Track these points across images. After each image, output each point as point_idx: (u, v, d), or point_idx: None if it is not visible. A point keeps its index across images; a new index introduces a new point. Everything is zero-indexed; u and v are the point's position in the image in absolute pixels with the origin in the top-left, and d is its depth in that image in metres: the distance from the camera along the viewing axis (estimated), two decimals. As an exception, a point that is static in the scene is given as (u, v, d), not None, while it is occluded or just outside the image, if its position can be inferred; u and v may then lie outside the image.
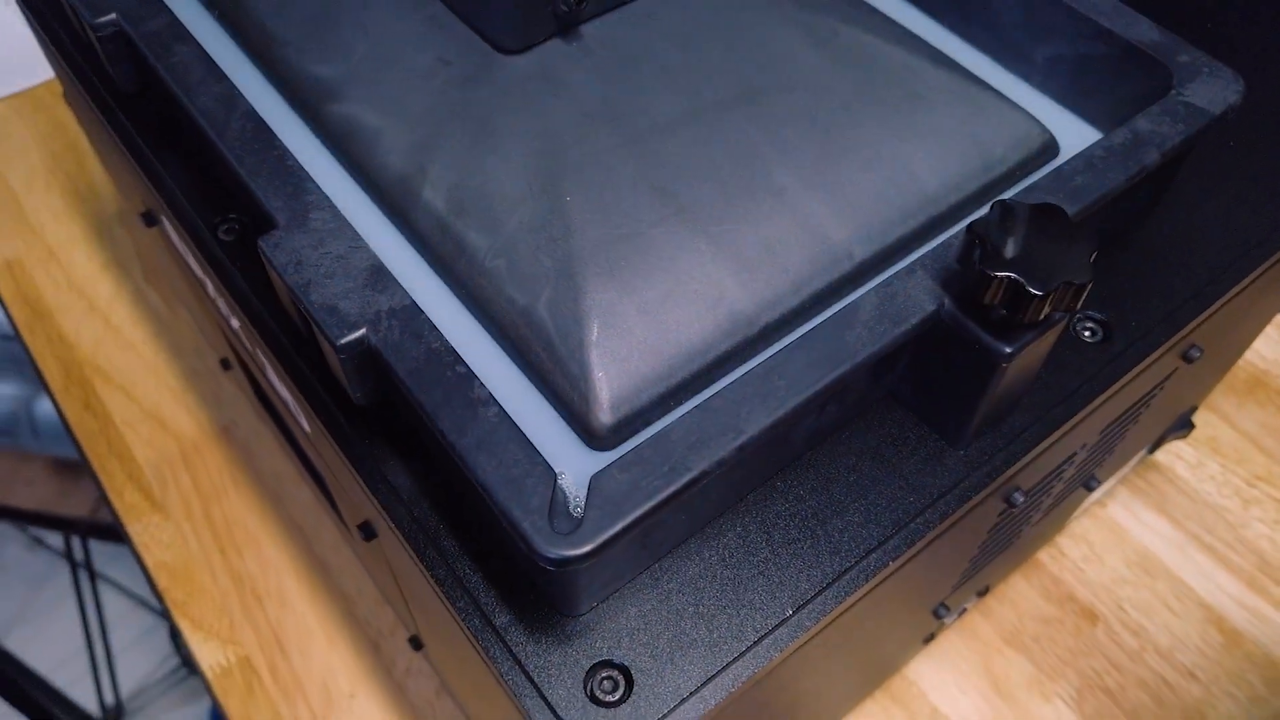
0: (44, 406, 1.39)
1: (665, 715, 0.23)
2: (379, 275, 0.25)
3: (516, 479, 0.22)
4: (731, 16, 0.29)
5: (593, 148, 0.26)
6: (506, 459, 0.22)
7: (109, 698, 1.37)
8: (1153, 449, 0.48)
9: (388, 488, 0.26)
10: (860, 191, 0.27)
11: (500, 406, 0.23)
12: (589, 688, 0.23)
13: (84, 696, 1.33)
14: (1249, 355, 0.56)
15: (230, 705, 0.44)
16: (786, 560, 0.25)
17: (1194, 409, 0.48)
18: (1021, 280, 0.22)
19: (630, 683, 0.24)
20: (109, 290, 0.56)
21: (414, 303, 0.24)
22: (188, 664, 1.39)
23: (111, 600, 1.41)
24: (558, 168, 0.25)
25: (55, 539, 1.48)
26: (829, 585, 0.25)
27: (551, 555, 0.21)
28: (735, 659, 0.24)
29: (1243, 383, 0.54)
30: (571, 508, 0.21)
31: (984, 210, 0.25)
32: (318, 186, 0.26)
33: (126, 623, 1.41)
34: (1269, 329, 0.57)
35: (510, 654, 0.24)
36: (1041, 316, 0.23)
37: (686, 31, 0.29)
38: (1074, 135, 0.31)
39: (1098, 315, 0.30)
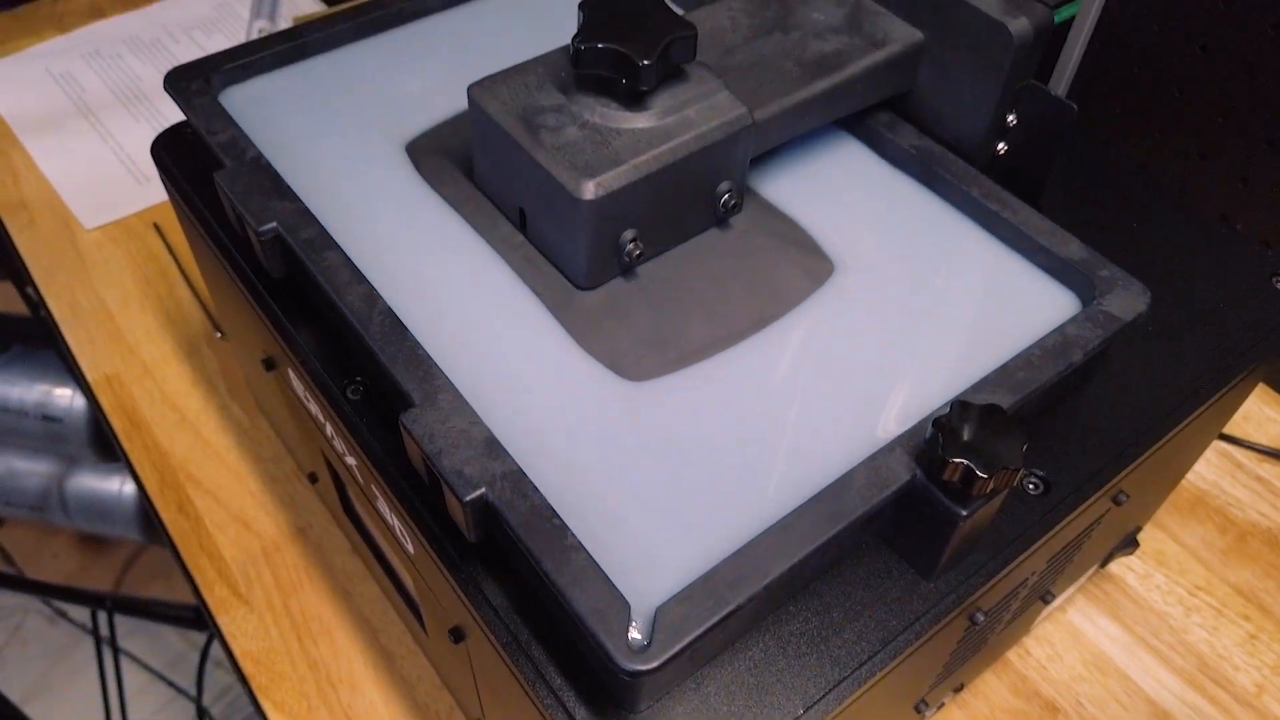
0: (75, 484, 1.45)
1: (706, 788, 0.31)
2: (492, 446, 0.33)
3: (601, 610, 0.29)
4: (749, 258, 0.39)
5: (646, 370, 0.35)
6: (593, 594, 0.30)
7: (124, 770, 1.41)
8: (1104, 564, 0.56)
9: (488, 605, 0.34)
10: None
11: (587, 552, 0.31)
12: (647, 767, 0.31)
13: (98, 768, 1.37)
14: (1190, 476, 0.64)
15: (308, 777, 0.51)
16: (798, 670, 0.33)
17: (1139, 529, 0.56)
18: (971, 466, 0.30)
19: (679, 763, 0.31)
20: (198, 404, 0.64)
21: (520, 469, 0.32)
22: (205, 738, 1.43)
23: (131, 674, 1.46)
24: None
25: (77, 612, 1.53)
26: (830, 690, 0.32)
27: (628, 669, 0.28)
28: (759, 746, 0.31)
29: (1186, 502, 0.63)
30: (641, 633, 0.29)
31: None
32: (442, 372, 0.35)
33: (145, 697, 1.45)
34: (1207, 453, 0.65)
35: (587, 740, 0.31)
36: (988, 491, 0.31)
37: (717, 271, 0.39)
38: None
39: (1040, 473, 0.38)
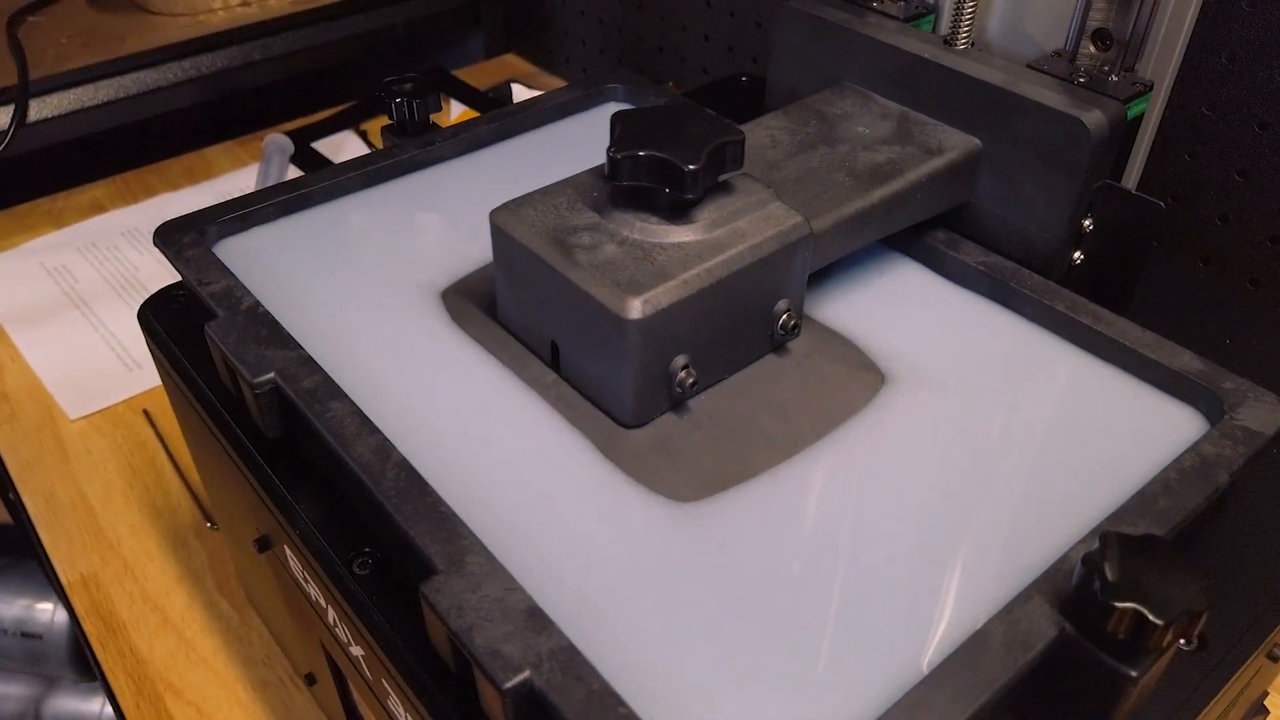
0: (53, 707, 1.34)
1: None
2: (536, 617, 0.27)
3: (691, 824, 0.22)
4: (815, 387, 0.33)
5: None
6: (678, 803, 0.23)
7: None
8: (1234, 737, 0.48)
9: (534, 825, 0.27)
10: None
11: (666, 748, 0.24)
12: None
13: None
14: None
15: None
16: None
17: (1266, 693, 0.48)
18: (1145, 611, 0.24)
19: None
20: (182, 602, 0.57)
21: (571, 644, 0.26)
22: None
23: None
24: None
25: None
26: None
27: None
28: None
29: (1306, 661, 0.55)
30: None
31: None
32: (470, 531, 0.29)
33: None
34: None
35: None
36: (1165, 643, 0.25)
37: (776, 399, 0.33)
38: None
39: (1192, 623, 0.31)
